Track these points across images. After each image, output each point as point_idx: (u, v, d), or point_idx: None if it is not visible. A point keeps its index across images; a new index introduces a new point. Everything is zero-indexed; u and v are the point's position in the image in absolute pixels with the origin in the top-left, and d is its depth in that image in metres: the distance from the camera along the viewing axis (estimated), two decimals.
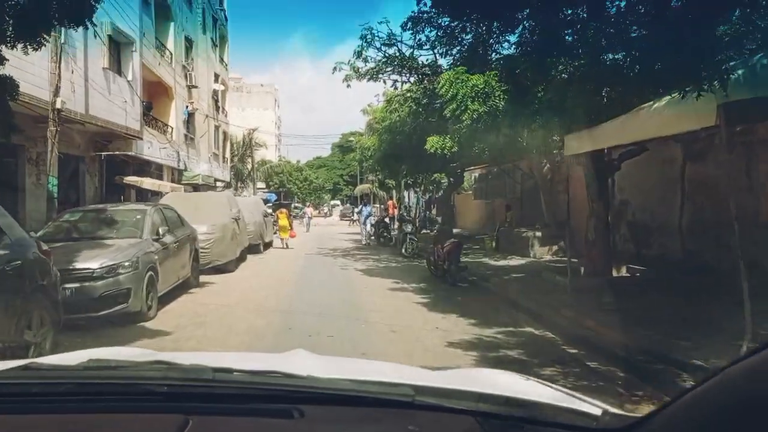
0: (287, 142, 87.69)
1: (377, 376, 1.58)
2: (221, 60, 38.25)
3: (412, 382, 1.41)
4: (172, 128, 26.26)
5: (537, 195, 20.43)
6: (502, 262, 14.38)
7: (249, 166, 44.83)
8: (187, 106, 28.37)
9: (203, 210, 14.68)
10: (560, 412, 1.32)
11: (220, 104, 37.20)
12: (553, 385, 1.70)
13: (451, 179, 23.68)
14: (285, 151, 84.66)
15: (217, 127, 36.22)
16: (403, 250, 18.26)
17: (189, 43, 29.41)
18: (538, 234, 14.76)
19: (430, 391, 1.37)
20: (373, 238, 23.80)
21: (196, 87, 29.19)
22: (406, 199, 30.98)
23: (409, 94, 14.53)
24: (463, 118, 9.79)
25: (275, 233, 24.80)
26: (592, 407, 1.37)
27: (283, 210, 26.04)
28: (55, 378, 1.46)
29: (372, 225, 23.74)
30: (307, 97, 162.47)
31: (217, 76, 35.27)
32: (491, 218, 26.55)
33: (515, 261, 14.34)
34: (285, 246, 24.19)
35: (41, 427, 1.26)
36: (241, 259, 16.68)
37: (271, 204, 47.22)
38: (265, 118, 75.15)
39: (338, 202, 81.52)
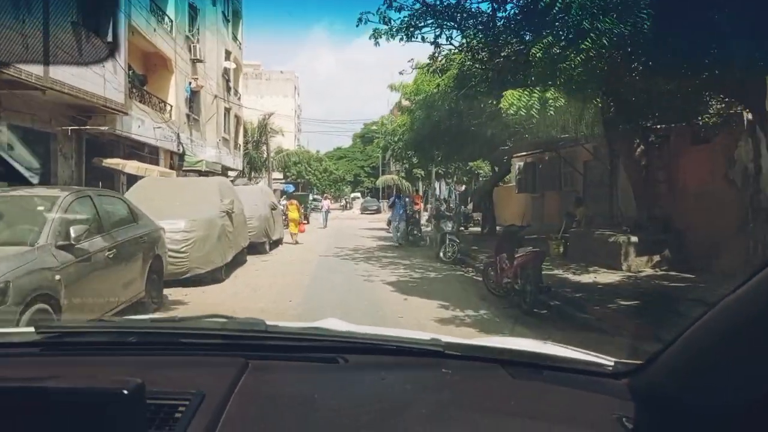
0: (307, 131, 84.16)
1: (410, 335, 1.67)
2: (234, 38, 34.58)
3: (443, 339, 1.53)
4: (171, 106, 22.65)
5: (607, 186, 16.43)
6: (585, 277, 10.42)
7: (264, 154, 41.16)
8: (190, 83, 24.74)
9: (184, 200, 10.97)
10: (576, 362, 1.47)
11: (231, 84, 33.56)
12: (572, 348, 1.72)
13: (496, 168, 19.77)
14: (305, 141, 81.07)
15: (227, 110, 32.60)
16: (442, 254, 14.46)
17: (194, 12, 25.74)
18: (633, 239, 10.74)
19: (459, 345, 1.51)
20: (404, 238, 19.74)
21: (201, 61, 25.54)
22: (438, 192, 27.07)
23: (464, 43, 10.52)
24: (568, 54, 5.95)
25: (286, 228, 21.26)
26: (606, 360, 1.43)
27: (293, 201, 22.37)
28: (126, 328, 1.67)
29: (405, 222, 19.67)
30: (328, 89, 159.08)
31: (228, 54, 31.59)
32: (539, 214, 22.57)
33: (604, 276, 10.37)
34: (295, 242, 20.58)
35: (118, 366, 1.36)
36: (238, 262, 12.99)
37: (286, 195, 43.73)
38: (285, 105, 71.70)
39: (359, 195, 77.76)
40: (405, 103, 22.21)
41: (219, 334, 1.54)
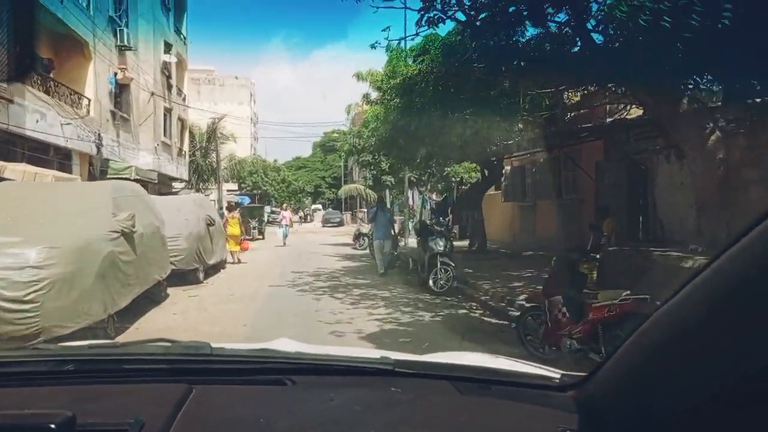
0: (264, 138, 79.81)
1: (359, 354, 1.69)
2: (177, 31, 30.47)
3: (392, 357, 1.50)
4: (90, 101, 18.48)
5: (629, 191, 13.11)
6: None
7: (215, 163, 36.89)
8: (115, 73, 20.58)
9: (49, 215, 7.04)
10: (524, 376, 1.49)
11: (174, 83, 29.38)
12: (520, 360, 1.75)
13: (486, 171, 16.24)
14: (263, 151, 76.63)
15: (168, 111, 28.37)
16: (432, 282, 10.82)
17: None
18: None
19: (408, 362, 1.50)
20: (391, 264, 14.69)
21: (130, 49, 21.39)
22: (411, 201, 23.46)
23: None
24: None
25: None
26: (553, 373, 1.44)
27: (234, 214, 18.49)
28: (62, 356, 1.50)
29: (391, 242, 14.29)
30: (287, 100, 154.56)
31: (168, 46, 27.44)
32: (529, 227, 19.20)
33: None
34: (237, 260, 16.81)
35: (52, 397, 1.26)
36: (147, 302, 9.07)
37: (240, 208, 39.52)
38: (240, 113, 67.46)
39: (320, 206, 73.73)
40: (374, 96, 18.62)
41: (162, 359, 1.47)
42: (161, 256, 9.84)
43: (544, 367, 1.61)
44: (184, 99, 33.11)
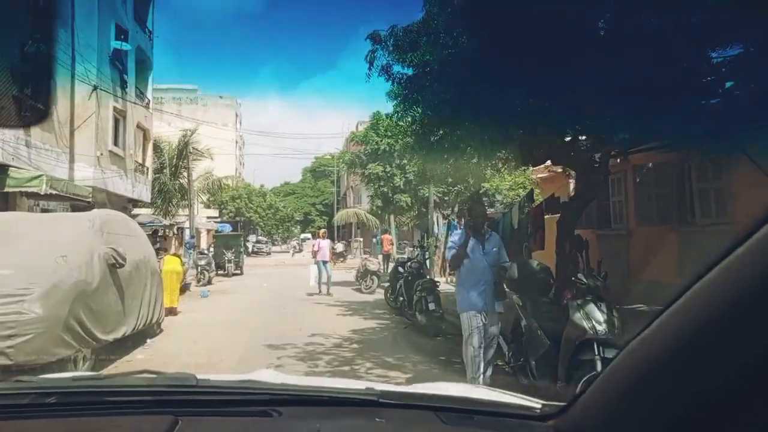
0: (250, 160, 73.73)
1: (344, 385, 1.67)
2: (138, 19, 24.52)
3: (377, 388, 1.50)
4: None
5: None
6: None
7: (189, 184, 30.53)
8: (26, 44, 14.47)
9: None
10: (505, 406, 1.48)
11: (132, 81, 23.31)
12: (502, 390, 1.76)
13: (575, 176, 10.07)
14: (250, 177, 70.42)
15: (121, 114, 22.22)
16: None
17: None
18: None
19: (393, 393, 1.49)
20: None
21: (53, 17, 15.34)
22: (436, 229, 17.27)
23: None
24: None
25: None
26: (534, 403, 1.44)
27: (175, 255, 12.47)
28: (45, 388, 1.46)
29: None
30: (275, 128, 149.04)
31: (122, 32, 21.41)
32: (619, 267, 12.95)
33: None
34: (171, 310, 10.72)
35: (36, 431, 1.27)
36: None
37: (214, 236, 33.00)
38: (225, 136, 61.53)
39: (309, 236, 67.37)
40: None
41: (147, 391, 1.44)
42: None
43: (525, 396, 1.60)
44: (147, 104, 27.05)
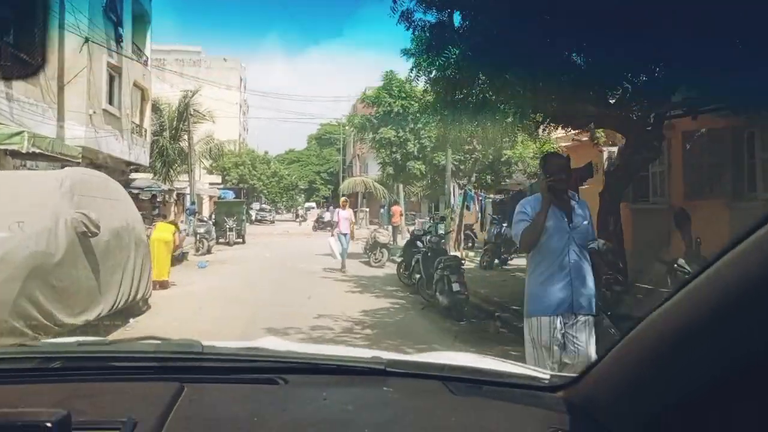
0: (255, 125, 72.22)
1: (351, 353, 1.65)
2: None
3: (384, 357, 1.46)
4: None
5: None
6: None
7: (191, 148, 29.18)
8: None
9: None
10: (514, 376, 1.44)
11: (129, 37, 21.86)
12: (510, 361, 1.76)
13: (634, 139, 8.70)
14: (254, 144, 68.93)
15: (116, 70, 20.84)
16: None
17: None
18: None
19: (401, 362, 1.45)
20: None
21: None
22: (451, 200, 15.98)
23: None
24: None
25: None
26: (543, 374, 1.44)
27: (170, 222, 11.31)
28: (51, 353, 1.46)
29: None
30: (281, 92, 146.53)
31: None
32: (657, 245, 11.66)
33: None
34: (160, 286, 9.57)
35: (40, 395, 1.23)
36: None
37: (215, 203, 31.76)
38: (229, 98, 59.93)
39: (313, 205, 66.16)
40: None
41: (152, 357, 1.41)
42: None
43: (533, 367, 1.63)
44: (145, 63, 25.59)
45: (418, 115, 15.59)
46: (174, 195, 30.03)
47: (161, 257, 10.39)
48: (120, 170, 24.37)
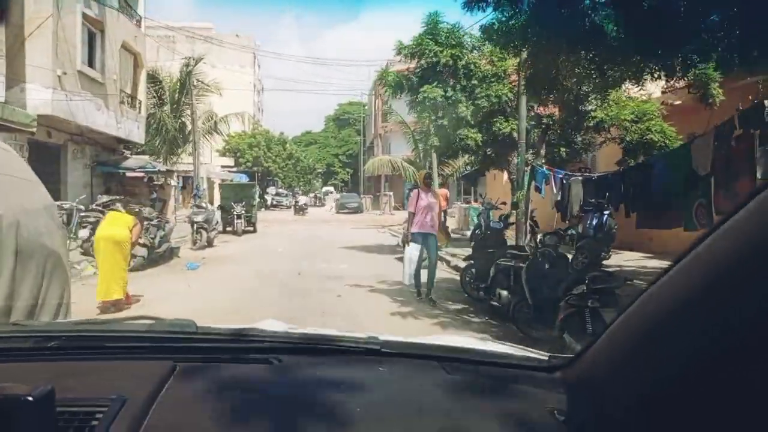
0: (272, 116, 68.61)
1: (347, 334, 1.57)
2: None
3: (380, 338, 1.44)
4: None
5: None
6: None
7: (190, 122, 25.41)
8: None
9: None
10: (512, 357, 1.42)
11: None
12: (508, 343, 1.72)
13: None
14: (269, 124, 65.23)
15: (95, 26, 17.13)
16: None
17: None
18: None
19: (396, 343, 1.42)
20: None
21: None
22: (521, 179, 11.99)
23: None
24: None
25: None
26: (541, 356, 1.41)
27: (131, 211, 7.49)
28: (44, 332, 1.43)
29: None
30: (296, 82, 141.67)
31: None
32: None
33: None
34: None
35: (34, 373, 1.20)
36: None
37: (221, 186, 28.09)
38: (241, 79, 56.28)
39: (332, 189, 62.51)
40: None
41: (145, 337, 1.38)
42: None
43: (531, 349, 1.51)
44: (138, 24, 21.88)
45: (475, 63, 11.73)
46: (176, 178, 26.37)
47: (112, 264, 6.69)
48: (110, 148, 20.88)
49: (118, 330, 1.49)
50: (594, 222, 9.27)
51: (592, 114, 11.46)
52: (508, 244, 8.22)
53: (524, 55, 8.34)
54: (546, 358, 1.36)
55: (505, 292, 6.70)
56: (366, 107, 59.46)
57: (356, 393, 1.18)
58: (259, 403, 1.13)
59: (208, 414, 1.08)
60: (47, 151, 16.83)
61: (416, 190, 8.59)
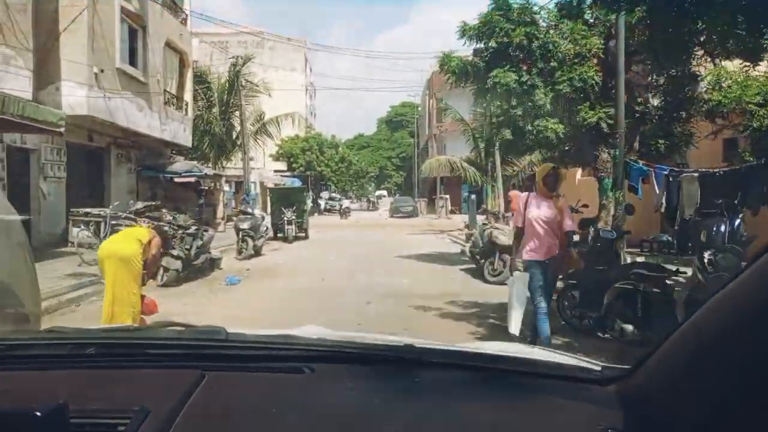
0: (324, 118, 67.93)
1: (384, 341, 1.51)
2: None
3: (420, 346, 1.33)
4: None
5: None
6: None
7: (242, 127, 24.38)
8: None
9: None
10: (561, 367, 1.31)
11: None
12: (559, 351, 1.59)
13: None
14: (323, 128, 64.46)
15: (136, 22, 16.16)
16: None
17: None
18: None
19: (435, 351, 1.33)
20: None
21: None
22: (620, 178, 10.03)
23: None
24: None
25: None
26: (593, 365, 1.29)
27: (151, 225, 6.03)
28: (78, 339, 1.42)
29: None
30: (344, 85, 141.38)
31: None
32: None
33: None
34: None
35: (68, 381, 1.21)
36: None
37: (268, 191, 26.80)
38: (294, 82, 55.65)
39: (384, 193, 61.12)
40: None
41: (174, 344, 1.35)
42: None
43: (583, 358, 1.39)
44: (184, 22, 20.98)
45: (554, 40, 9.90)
46: (224, 183, 25.39)
47: (118, 285, 5.28)
48: (156, 151, 19.99)
49: (147, 337, 1.48)
50: (722, 228, 7.26)
51: (706, 96, 9.38)
52: (625, 261, 6.39)
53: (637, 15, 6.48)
54: (599, 368, 1.23)
55: (630, 327, 4.91)
56: (419, 108, 57.85)
57: (391, 405, 1.11)
58: (286, 414, 1.07)
59: (235, 425, 1.04)
60: (89, 155, 15.96)
61: (525, 194, 5.97)
